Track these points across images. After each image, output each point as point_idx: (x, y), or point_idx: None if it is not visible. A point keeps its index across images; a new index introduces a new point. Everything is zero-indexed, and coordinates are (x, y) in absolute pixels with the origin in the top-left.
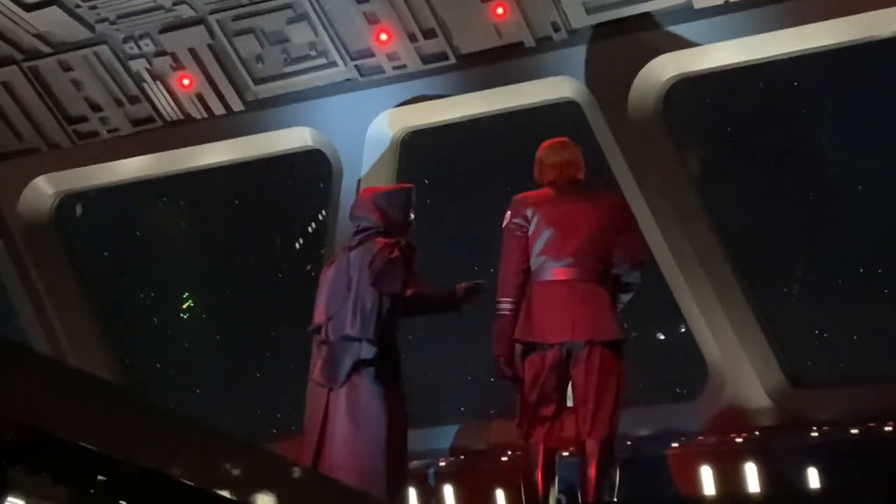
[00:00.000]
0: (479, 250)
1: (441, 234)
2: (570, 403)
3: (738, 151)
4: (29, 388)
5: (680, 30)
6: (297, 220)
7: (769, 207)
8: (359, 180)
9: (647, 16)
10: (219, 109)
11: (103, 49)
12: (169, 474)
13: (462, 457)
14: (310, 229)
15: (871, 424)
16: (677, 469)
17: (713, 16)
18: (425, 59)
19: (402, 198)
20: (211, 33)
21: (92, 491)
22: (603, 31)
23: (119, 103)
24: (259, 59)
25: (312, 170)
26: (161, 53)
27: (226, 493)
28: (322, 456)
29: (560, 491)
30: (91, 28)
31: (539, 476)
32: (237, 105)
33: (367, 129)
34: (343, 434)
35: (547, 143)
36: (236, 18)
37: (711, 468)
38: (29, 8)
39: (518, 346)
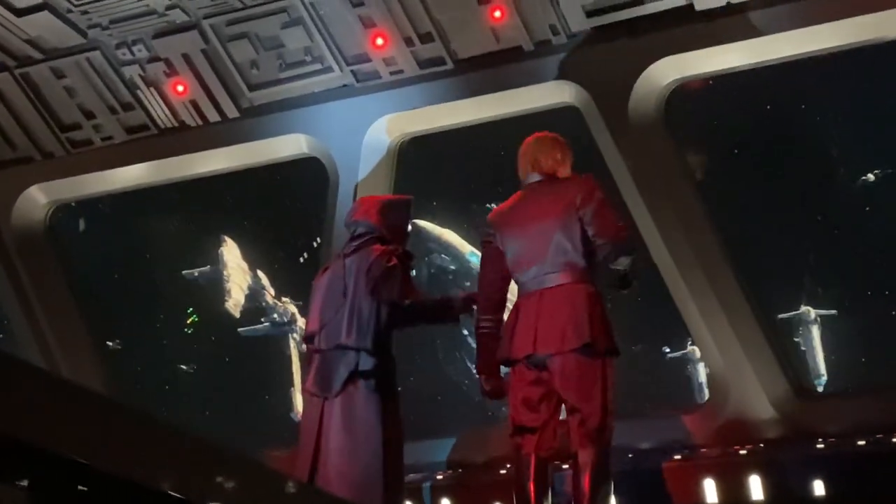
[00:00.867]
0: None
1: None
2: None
3: (741, 157)
4: (9, 396)
5: (681, 32)
6: (303, 233)
7: (774, 214)
8: (356, 185)
9: (647, 18)
10: (213, 116)
11: (96, 55)
12: (157, 487)
13: (460, 470)
14: (315, 244)
15: (879, 436)
16: (680, 481)
17: (715, 18)
18: (422, 64)
19: (402, 207)
20: (205, 38)
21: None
22: (603, 35)
23: (113, 110)
24: (254, 64)
25: (308, 177)
26: (154, 59)
27: None
28: (317, 467)
29: None
30: (83, 34)
31: (531, 486)
32: (232, 112)
33: (364, 136)
34: (339, 444)
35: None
36: (230, 23)
37: (715, 480)
38: (20, 13)
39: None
